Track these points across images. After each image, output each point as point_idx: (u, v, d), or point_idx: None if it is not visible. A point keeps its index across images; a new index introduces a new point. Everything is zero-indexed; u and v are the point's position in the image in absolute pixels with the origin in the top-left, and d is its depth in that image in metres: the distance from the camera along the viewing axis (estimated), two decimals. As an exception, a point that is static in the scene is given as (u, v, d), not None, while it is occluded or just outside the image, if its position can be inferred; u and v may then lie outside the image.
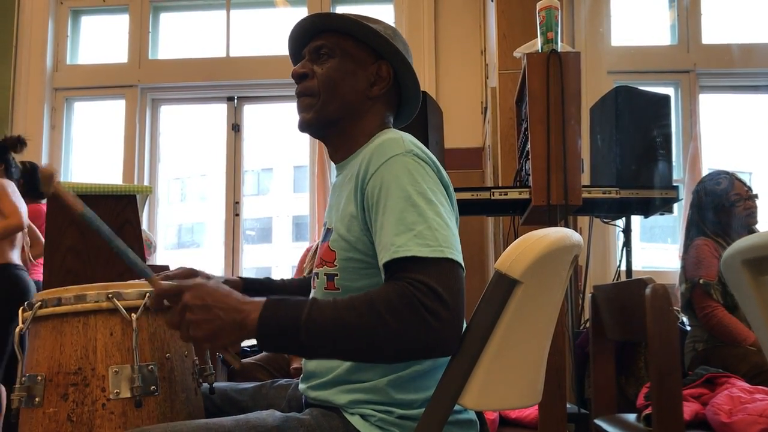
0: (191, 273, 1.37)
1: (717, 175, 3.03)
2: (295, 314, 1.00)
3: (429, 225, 1.03)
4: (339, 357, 1.12)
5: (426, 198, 1.06)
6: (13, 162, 3.77)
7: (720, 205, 2.93)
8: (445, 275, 0.99)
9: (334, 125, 1.28)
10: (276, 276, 1.59)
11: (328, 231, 1.23)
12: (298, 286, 1.51)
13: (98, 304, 1.18)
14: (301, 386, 1.27)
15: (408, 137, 1.17)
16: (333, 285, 1.18)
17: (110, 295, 1.18)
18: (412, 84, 1.32)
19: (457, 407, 1.04)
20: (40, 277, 3.74)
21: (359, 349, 1.01)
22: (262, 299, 1.02)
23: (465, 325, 1.19)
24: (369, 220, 1.12)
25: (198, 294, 1.02)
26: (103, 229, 1.10)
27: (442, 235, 1.03)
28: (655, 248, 5.03)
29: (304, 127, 1.30)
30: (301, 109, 1.29)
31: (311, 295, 1.29)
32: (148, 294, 1.19)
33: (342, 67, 1.26)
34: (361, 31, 1.26)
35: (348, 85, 1.26)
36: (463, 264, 1.04)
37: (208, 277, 1.36)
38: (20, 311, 1.22)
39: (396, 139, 1.14)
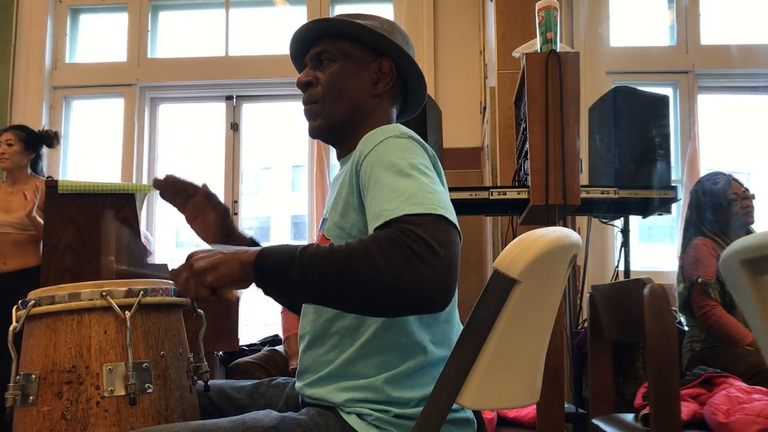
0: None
1: (714, 176, 3.04)
2: (290, 251, 1.01)
3: (422, 188, 1.02)
4: (326, 298, 1.05)
5: (419, 170, 1.06)
6: (43, 156, 3.71)
7: (718, 205, 2.94)
8: (436, 229, 0.97)
9: (343, 128, 1.29)
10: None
11: (324, 221, 1.24)
12: None
13: (92, 302, 1.17)
14: (298, 384, 1.26)
15: (405, 127, 1.17)
16: None
17: (104, 293, 1.17)
18: (416, 75, 1.32)
19: (454, 406, 1.03)
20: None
21: (346, 287, 0.98)
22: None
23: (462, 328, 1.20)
24: (364, 200, 1.11)
25: (201, 249, 1.05)
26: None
27: (436, 197, 1.01)
28: (653, 248, 5.03)
29: (314, 134, 1.31)
30: (310, 117, 1.30)
31: None
32: (142, 290, 1.19)
33: (344, 70, 1.27)
34: (356, 31, 1.27)
35: (352, 86, 1.27)
36: (458, 226, 1.01)
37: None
38: (14, 310, 1.21)
39: (391, 126, 1.16)
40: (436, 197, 1.01)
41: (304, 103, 1.30)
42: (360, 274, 0.96)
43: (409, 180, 1.03)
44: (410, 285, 0.94)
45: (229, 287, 1.04)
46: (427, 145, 1.15)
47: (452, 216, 1.01)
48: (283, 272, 0.99)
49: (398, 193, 1.01)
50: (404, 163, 1.06)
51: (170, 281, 1.32)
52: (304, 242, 1.44)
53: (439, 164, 1.16)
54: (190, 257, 1.05)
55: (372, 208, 1.05)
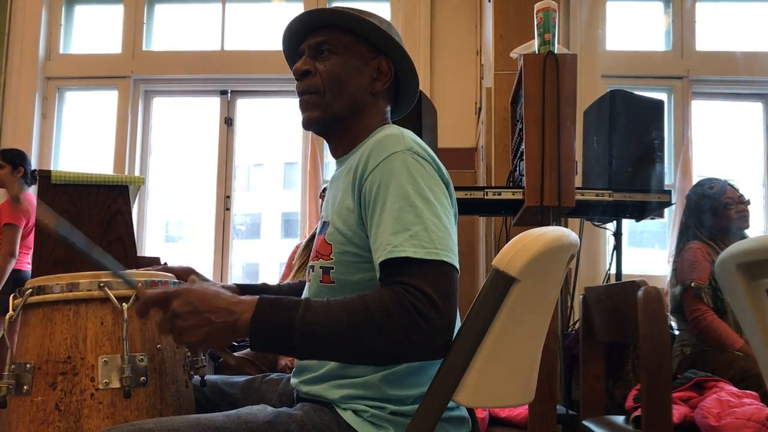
0: (190, 271, 1.37)
1: (710, 181, 3.07)
2: (288, 316, 0.99)
3: (426, 226, 1.03)
4: (330, 359, 1.12)
5: (424, 198, 1.06)
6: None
7: (714, 208, 2.97)
8: (440, 278, 1.00)
9: (339, 122, 1.27)
10: (264, 273, 1.57)
11: (325, 224, 1.22)
12: (291, 289, 1.50)
13: (90, 292, 1.16)
14: (293, 380, 1.26)
15: (408, 134, 1.16)
16: (329, 278, 1.17)
17: (102, 284, 1.16)
18: (411, 77, 1.32)
19: (450, 404, 1.04)
20: (24, 267, 3.70)
21: (351, 352, 1.01)
22: (254, 298, 1.02)
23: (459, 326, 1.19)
24: (365, 216, 1.11)
25: (186, 300, 1.01)
26: (79, 243, 1.11)
27: (439, 237, 1.03)
28: (643, 253, 5.05)
29: (309, 124, 1.29)
30: (305, 107, 1.27)
31: (305, 290, 1.28)
32: (135, 293, 1.18)
33: (346, 64, 1.25)
34: (361, 26, 1.25)
35: (352, 82, 1.25)
36: (458, 266, 1.04)
37: (204, 279, 1.35)
38: (11, 298, 1.20)
39: (396, 135, 1.14)
40: (440, 236, 1.03)
41: (301, 93, 1.27)
42: (365, 342, 0.98)
43: (415, 212, 1.04)
44: (414, 346, 0.98)
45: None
46: (431, 155, 1.14)
47: (454, 256, 1.04)
48: (280, 340, 1.00)
49: (403, 227, 1.03)
50: (411, 189, 1.06)
51: (168, 275, 1.32)
52: (294, 293, 1.41)
53: (445, 172, 1.16)
54: (175, 314, 1.00)
55: (377, 235, 1.06)
